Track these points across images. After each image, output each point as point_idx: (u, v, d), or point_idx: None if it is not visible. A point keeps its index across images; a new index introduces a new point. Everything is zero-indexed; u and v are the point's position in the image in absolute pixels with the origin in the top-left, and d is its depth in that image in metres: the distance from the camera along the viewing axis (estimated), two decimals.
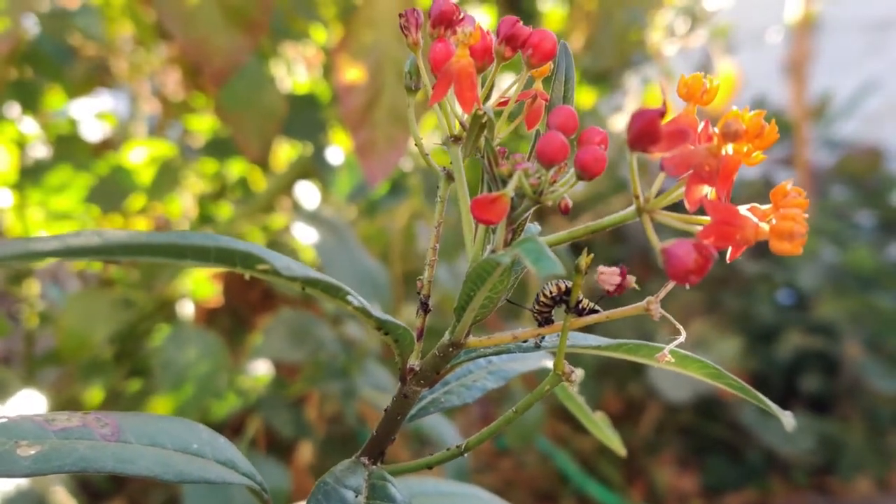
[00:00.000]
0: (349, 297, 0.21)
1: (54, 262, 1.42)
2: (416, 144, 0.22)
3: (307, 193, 0.87)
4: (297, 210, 0.79)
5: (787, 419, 0.21)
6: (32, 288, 1.04)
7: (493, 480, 1.60)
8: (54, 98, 1.10)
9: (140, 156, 0.81)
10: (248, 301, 1.11)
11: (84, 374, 0.88)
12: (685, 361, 0.23)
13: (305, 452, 0.99)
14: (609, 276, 0.19)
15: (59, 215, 0.98)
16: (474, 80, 0.18)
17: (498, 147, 0.19)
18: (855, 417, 1.73)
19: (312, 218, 0.78)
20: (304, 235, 0.74)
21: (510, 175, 0.17)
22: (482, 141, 0.18)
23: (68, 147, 0.92)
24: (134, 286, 0.86)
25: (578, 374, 0.28)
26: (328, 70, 0.94)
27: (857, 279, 1.71)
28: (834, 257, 1.69)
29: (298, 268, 0.20)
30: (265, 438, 0.96)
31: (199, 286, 0.82)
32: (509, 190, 0.17)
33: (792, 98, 1.67)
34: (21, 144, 0.88)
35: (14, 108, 0.82)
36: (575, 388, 0.26)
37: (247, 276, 0.21)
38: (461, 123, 0.20)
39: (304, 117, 0.85)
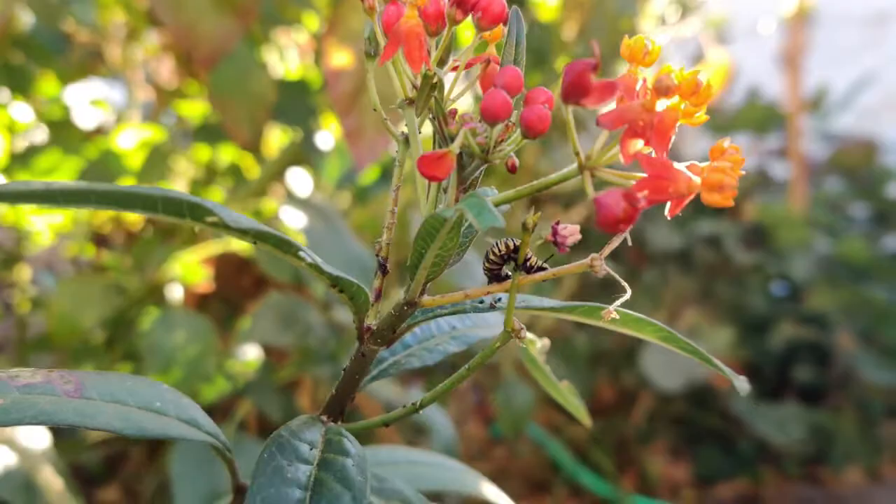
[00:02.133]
0: (301, 253, 0.21)
1: (47, 248, 1.43)
2: (374, 109, 0.23)
3: (299, 180, 0.88)
4: (288, 196, 0.79)
5: (741, 384, 0.21)
6: (24, 274, 1.04)
7: (486, 468, 1.60)
8: (48, 85, 1.10)
9: (130, 140, 0.81)
10: (239, 287, 1.11)
11: (75, 359, 0.88)
12: (640, 324, 0.23)
13: None
14: (570, 231, 0.19)
15: None
16: (423, 40, 0.18)
17: (449, 109, 0.19)
18: (847, 408, 1.74)
19: (302, 203, 0.78)
20: (294, 220, 0.74)
21: (458, 133, 0.18)
22: (433, 101, 0.18)
23: (60, 132, 0.92)
24: (126, 272, 0.87)
25: (544, 342, 0.29)
26: (318, 56, 0.95)
27: (850, 271, 1.71)
28: (827, 248, 1.70)
29: (246, 221, 0.20)
30: (257, 423, 0.96)
31: (189, 272, 0.82)
32: (455, 147, 0.17)
33: (786, 90, 1.67)
34: (11, 129, 0.88)
35: (4, 93, 0.82)
36: (541, 357, 0.27)
37: (196, 228, 0.21)
38: (414, 85, 0.20)
39: (295, 103, 0.85)
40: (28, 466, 0.66)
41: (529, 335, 0.27)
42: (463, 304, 0.22)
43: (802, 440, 1.67)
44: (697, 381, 1.69)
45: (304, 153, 0.88)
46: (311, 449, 0.19)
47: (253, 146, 0.78)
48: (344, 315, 0.87)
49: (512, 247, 0.21)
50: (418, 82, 0.19)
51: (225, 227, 0.21)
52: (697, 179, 0.16)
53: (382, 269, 0.23)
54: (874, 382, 1.64)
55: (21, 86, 0.81)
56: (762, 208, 1.63)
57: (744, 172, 0.18)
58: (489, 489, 0.33)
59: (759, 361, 1.84)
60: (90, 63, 1.27)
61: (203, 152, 0.91)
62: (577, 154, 0.17)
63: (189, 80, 1.34)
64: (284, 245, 0.21)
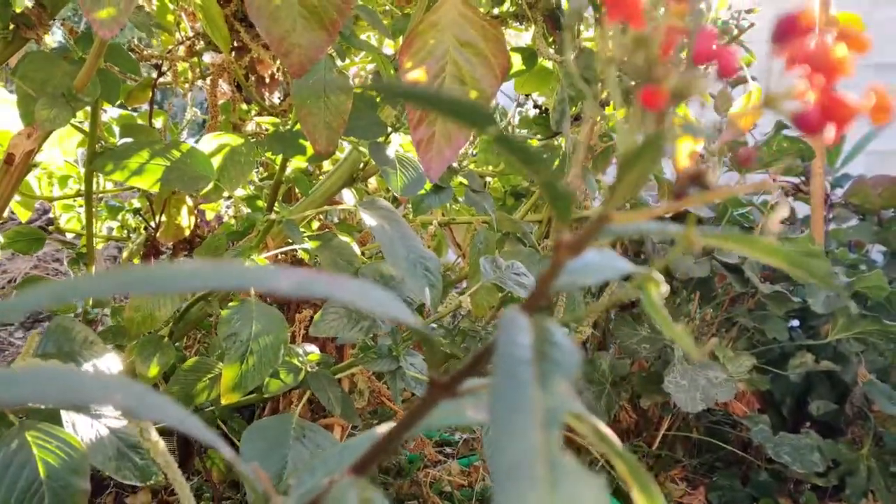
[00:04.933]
0: None
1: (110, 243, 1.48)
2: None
3: (361, 190, 0.94)
4: (364, 198, 0.85)
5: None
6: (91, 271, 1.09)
7: None
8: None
9: (209, 145, 0.87)
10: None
11: (142, 350, 0.93)
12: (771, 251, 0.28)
13: (337, 432, 1.04)
14: (749, 151, 0.24)
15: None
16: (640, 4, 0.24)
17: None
18: (865, 441, 1.77)
19: (373, 205, 0.84)
20: (368, 219, 0.80)
21: (667, 75, 0.23)
22: (641, 54, 0.24)
23: (138, 135, 0.98)
24: None
25: (666, 288, 0.34)
26: (383, 71, 1.01)
27: (869, 305, 1.76)
28: (846, 283, 1.75)
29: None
30: (309, 414, 1.01)
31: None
32: (670, 83, 0.22)
33: None
34: (93, 134, 0.94)
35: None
36: (660, 301, 0.32)
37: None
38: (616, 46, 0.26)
39: (365, 117, 0.91)
40: (123, 433, 0.70)
41: (655, 274, 0.32)
42: (641, 225, 0.27)
43: (820, 473, 1.70)
44: (717, 406, 1.72)
45: (369, 166, 0.94)
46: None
47: (328, 153, 0.84)
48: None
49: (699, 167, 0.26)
50: (626, 39, 0.24)
51: None
52: (865, 103, 0.21)
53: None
54: (892, 416, 1.68)
55: (112, 93, 0.87)
56: (782, 241, 1.68)
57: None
58: None
59: (778, 392, 1.87)
60: (152, 82, 1.34)
61: (276, 159, 0.97)
62: (759, 91, 0.22)
63: (241, 102, 1.41)
64: None
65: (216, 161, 0.88)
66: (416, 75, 0.81)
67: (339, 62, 0.92)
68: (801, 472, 1.68)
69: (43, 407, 0.63)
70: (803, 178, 1.96)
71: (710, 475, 1.87)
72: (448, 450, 1.81)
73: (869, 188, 1.97)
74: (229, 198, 1.48)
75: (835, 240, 2.02)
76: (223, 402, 0.78)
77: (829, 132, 0.21)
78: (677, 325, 0.34)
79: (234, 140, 0.89)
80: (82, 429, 0.69)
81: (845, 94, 0.21)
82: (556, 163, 1.34)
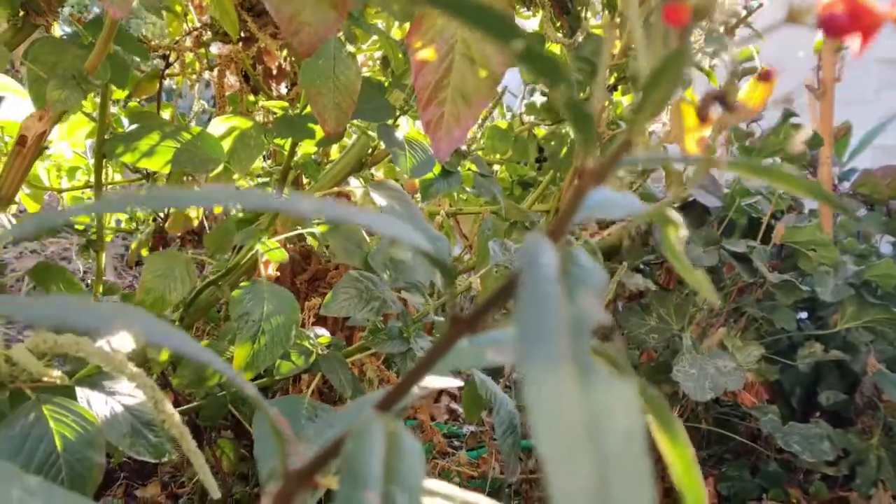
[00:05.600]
0: None
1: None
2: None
3: (368, 179, 0.94)
4: (374, 180, 0.85)
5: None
6: (101, 260, 1.10)
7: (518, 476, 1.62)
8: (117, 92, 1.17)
9: (219, 128, 0.88)
10: (293, 284, 1.17)
11: None
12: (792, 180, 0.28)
13: None
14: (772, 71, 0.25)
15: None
16: None
17: None
18: (875, 431, 1.76)
19: (382, 186, 0.84)
20: (378, 199, 0.80)
21: None
22: None
23: (146, 121, 0.99)
24: (206, 253, 0.92)
25: (685, 232, 0.34)
26: (390, 56, 1.01)
27: (878, 296, 1.75)
28: (855, 272, 1.74)
29: None
30: (318, 396, 1.01)
31: (272, 252, 0.87)
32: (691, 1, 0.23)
33: (818, 117, 1.73)
34: (103, 120, 0.95)
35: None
36: (680, 246, 0.32)
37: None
38: None
39: (373, 100, 0.91)
40: (137, 411, 0.70)
41: (673, 214, 0.32)
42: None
43: (831, 462, 1.69)
44: (725, 397, 1.72)
45: (377, 149, 0.94)
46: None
47: (338, 134, 0.84)
48: (414, 299, 0.92)
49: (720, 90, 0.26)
50: None
51: None
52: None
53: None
54: None
55: (120, 76, 0.87)
56: (791, 230, 1.68)
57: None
58: None
59: (787, 382, 1.87)
60: (158, 73, 1.34)
61: (284, 145, 0.97)
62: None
63: (249, 93, 1.42)
64: None
65: (226, 144, 0.88)
66: (425, 54, 0.81)
67: (348, 47, 0.93)
68: (810, 462, 1.68)
69: (58, 382, 0.64)
70: (810, 169, 1.96)
71: (720, 466, 1.87)
72: (456, 442, 1.81)
73: (877, 178, 1.97)
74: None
75: (843, 231, 2.02)
76: None
77: (856, 41, 0.21)
78: (697, 271, 0.34)
79: (243, 123, 0.89)
80: (97, 405, 0.69)
81: (873, 3, 0.21)
82: (564, 151, 1.35)
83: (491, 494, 1.57)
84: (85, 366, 0.77)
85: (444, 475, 1.47)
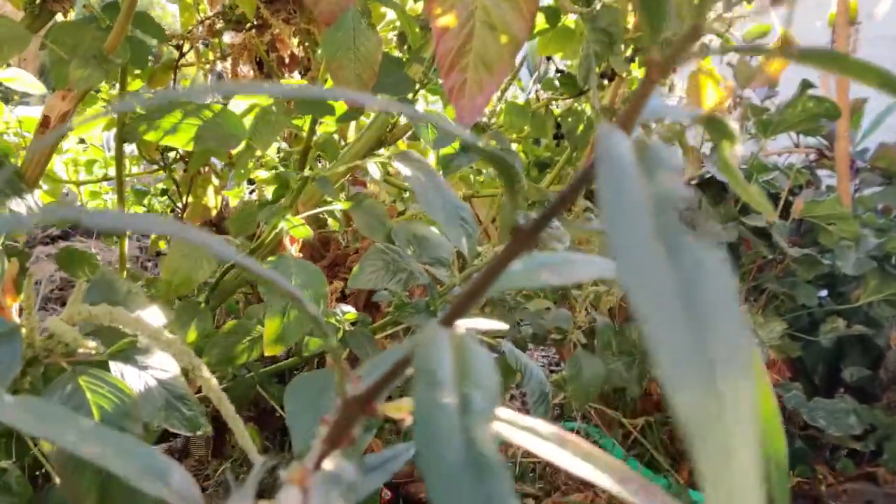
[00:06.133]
0: None
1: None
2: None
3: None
4: (400, 151, 0.85)
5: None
6: (123, 245, 1.10)
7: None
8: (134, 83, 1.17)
9: (240, 106, 0.87)
10: (325, 257, 1.17)
11: (178, 316, 0.93)
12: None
13: None
14: None
15: None
16: None
17: None
18: None
19: (405, 156, 0.84)
20: (403, 169, 0.79)
21: None
22: None
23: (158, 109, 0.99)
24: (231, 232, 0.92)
25: (738, 147, 0.33)
26: (403, 36, 1.01)
27: None
28: (875, 245, 1.73)
29: None
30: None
31: (296, 229, 0.87)
32: None
33: (836, 90, 1.72)
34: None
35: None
36: (733, 160, 0.31)
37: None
38: None
39: (392, 73, 0.91)
40: (170, 385, 0.70)
41: (732, 123, 0.31)
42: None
43: (857, 437, 1.68)
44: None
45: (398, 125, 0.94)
46: None
47: (359, 108, 0.84)
48: (439, 272, 0.92)
49: None
50: None
51: None
52: None
53: None
54: None
55: (139, 56, 0.87)
56: (809, 204, 1.67)
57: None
58: None
59: (809, 359, 1.85)
60: (172, 63, 1.34)
61: (303, 125, 0.97)
62: None
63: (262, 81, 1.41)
64: None
65: (247, 122, 0.88)
66: (446, 21, 0.81)
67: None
68: (837, 438, 1.66)
69: (94, 353, 0.63)
70: (827, 145, 1.95)
71: None
72: None
73: (895, 152, 1.95)
74: (252, 182, 1.49)
75: (861, 206, 2.00)
76: (267, 352, 0.78)
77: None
78: (751, 187, 0.34)
79: (264, 101, 0.89)
80: (131, 379, 0.69)
81: None
82: (581, 127, 1.34)
83: (516, 478, 1.57)
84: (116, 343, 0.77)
85: None
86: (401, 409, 0.35)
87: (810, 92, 1.54)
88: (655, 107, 0.29)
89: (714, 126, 0.31)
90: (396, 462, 0.43)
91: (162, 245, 1.51)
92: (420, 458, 0.21)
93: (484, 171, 1.54)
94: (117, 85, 1.12)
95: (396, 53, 1.06)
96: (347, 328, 0.92)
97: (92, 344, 0.65)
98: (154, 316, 0.76)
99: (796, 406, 1.63)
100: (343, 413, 0.33)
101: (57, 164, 1.39)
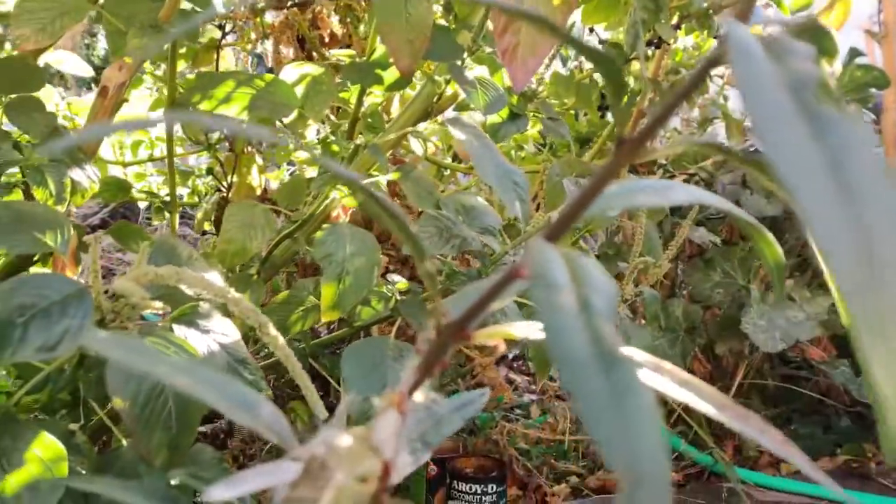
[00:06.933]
0: None
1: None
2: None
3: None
4: (452, 116, 0.85)
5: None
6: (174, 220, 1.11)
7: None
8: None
9: (292, 74, 0.88)
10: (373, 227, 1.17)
11: (232, 286, 0.94)
12: None
13: None
14: None
15: None
16: None
17: None
18: None
19: (457, 121, 0.83)
20: (457, 134, 0.79)
21: None
22: None
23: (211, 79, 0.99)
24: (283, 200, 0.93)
25: None
26: (448, 4, 1.01)
27: None
28: None
29: None
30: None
31: (347, 199, 0.88)
32: None
33: (884, 59, 1.68)
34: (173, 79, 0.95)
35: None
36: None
37: None
38: None
39: (442, 40, 0.90)
40: (232, 349, 0.71)
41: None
42: None
43: None
44: (792, 352, 1.68)
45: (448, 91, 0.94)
46: None
47: (410, 71, 0.84)
48: (489, 240, 0.92)
49: None
50: None
51: None
52: None
53: None
54: None
55: (191, 28, 0.88)
56: None
57: None
58: None
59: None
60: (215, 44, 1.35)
61: (349, 98, 0.97)
62: None
63: (304, 59, 1.42)
64: None
65: (299, 91, 0.88)
66: None
67: None
68: None
69: (160, 313, 0.64)
70: (874, 117, 1.91)
71: (788, 425, 1.83)
72: (518, 411, 1.80)
73: None
74: (291, 163, 1.49)
75: None
76: (323, 318, 0.79)
77: None
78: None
79: (315, 70, 0.89)
80: (195, 342, 0.70)
81: None
82: (625, 100, 1.33)
83: (559, 456, 1.57)
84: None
85: (510, 440, 1.47)
86: (493, 335, 0.35)
87: (857, 61, 1.51)
88: (759, 15, 0.28)
89: (818, 37, 0.30)
90: (472, 407, 0.43)
91: (207, 225, 1.52)
92: (552, 353, 0.21)
93: (525, 146, 1.53)
94: (161, 66, 1.13)
95: (442, 23, 1.06)
96: (398, 297, 0.93)
97: (158, 304, 0.65)
98: (214, 276, 0.77)
99: (845, 382, 1.61)
100: (437, 340, 0.33)
101: (104, 145, 1.41)
